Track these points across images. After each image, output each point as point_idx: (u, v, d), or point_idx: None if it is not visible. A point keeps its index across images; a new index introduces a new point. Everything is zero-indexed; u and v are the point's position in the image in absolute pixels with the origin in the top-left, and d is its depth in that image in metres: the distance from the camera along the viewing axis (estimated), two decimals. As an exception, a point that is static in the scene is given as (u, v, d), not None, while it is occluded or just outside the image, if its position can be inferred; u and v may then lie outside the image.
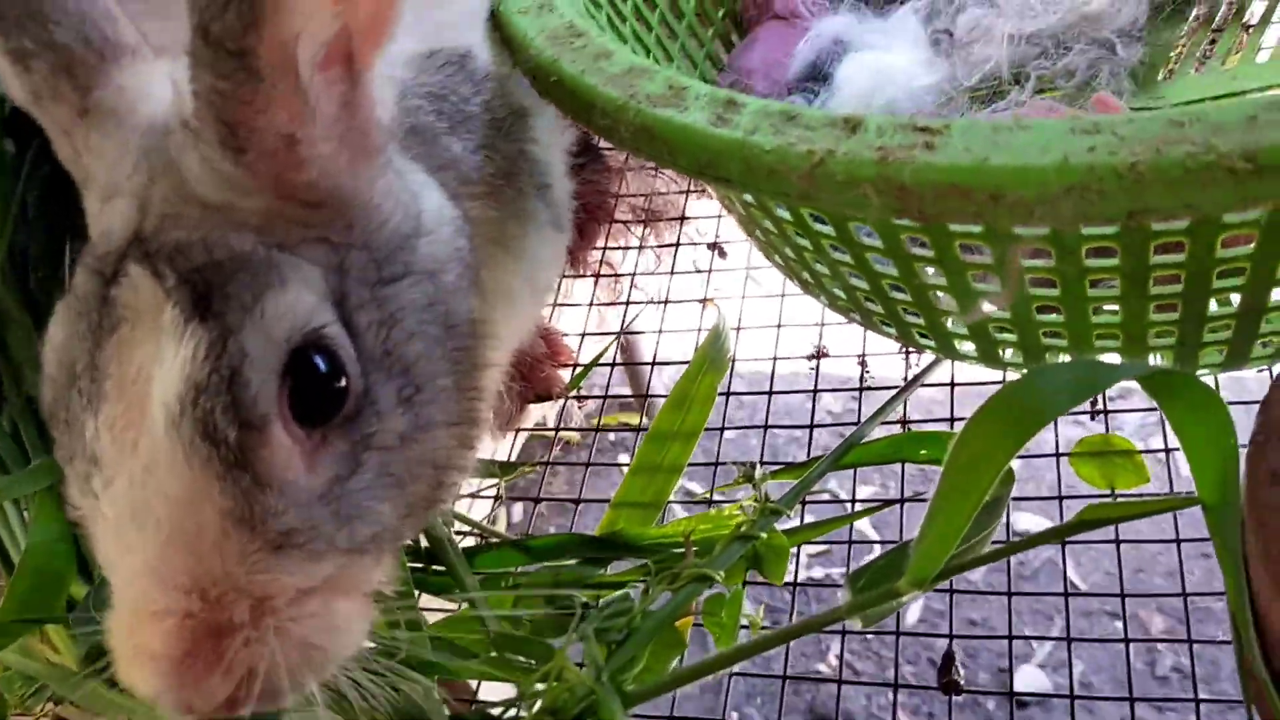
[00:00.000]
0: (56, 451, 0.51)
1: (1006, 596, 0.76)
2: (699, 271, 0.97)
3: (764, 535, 0.73)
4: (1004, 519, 0.69)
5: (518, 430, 0.93)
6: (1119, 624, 0.75)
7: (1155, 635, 1.67)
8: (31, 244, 0.82)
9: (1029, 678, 1.68)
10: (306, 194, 0.51)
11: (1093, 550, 1.73)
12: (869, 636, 1.73)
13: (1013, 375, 0.82)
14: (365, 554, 0.50)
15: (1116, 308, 0.62)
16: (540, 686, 0.62)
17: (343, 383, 0.49)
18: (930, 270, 0.65)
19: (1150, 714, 1.08)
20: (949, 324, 0.72)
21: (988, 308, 0.66)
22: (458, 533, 0.84)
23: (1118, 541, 0.75)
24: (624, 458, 1.19)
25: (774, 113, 0.54)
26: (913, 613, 1.68)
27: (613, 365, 0.91)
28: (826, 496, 0.90)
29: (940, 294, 0.68)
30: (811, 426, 0.80)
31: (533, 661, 0.67)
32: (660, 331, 0.92)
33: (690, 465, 0.79)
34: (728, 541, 0.72)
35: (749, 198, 0.71)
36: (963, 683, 0.66)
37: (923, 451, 0.80)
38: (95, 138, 0.54)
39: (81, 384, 0.48)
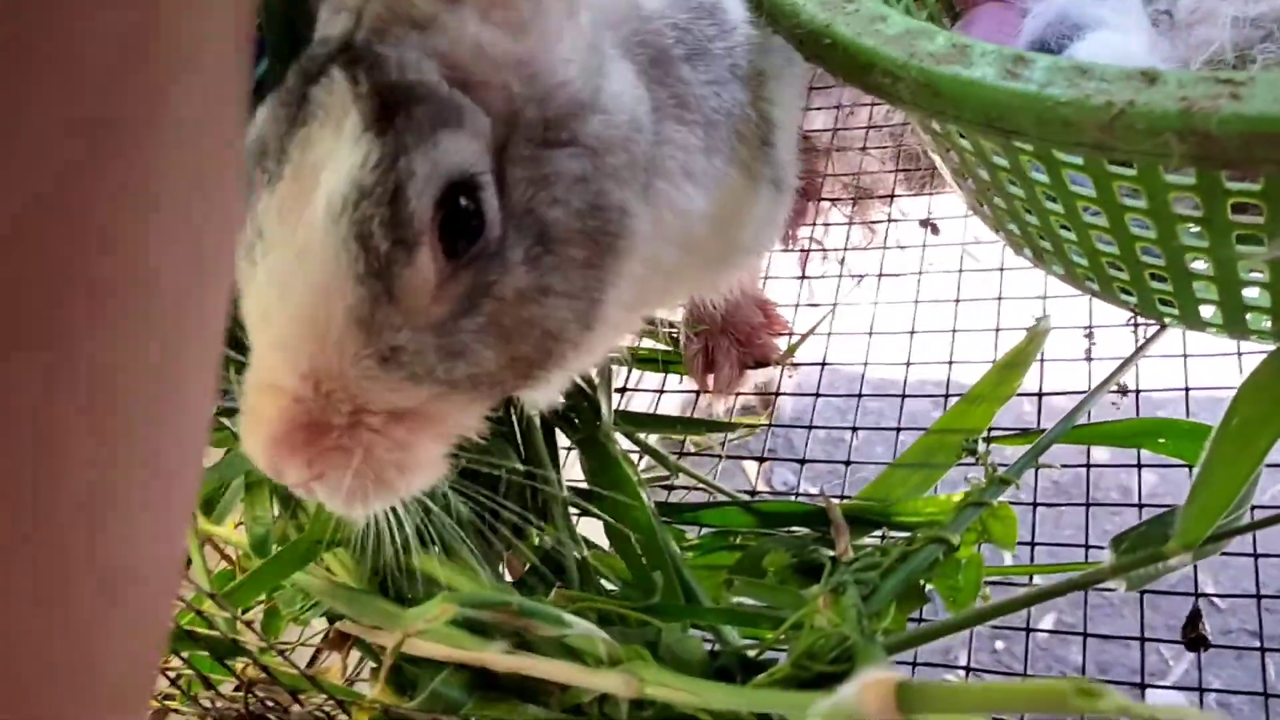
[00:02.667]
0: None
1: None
2: (908, 248, 0.99)
3: (994, 503, 0.74)
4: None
5: (737, 394, 0.96)
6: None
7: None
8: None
9: (1161, 697, 1.63)
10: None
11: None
12: (998, 648, 1.69)
13: (1250, 347, 0.82)
14: (459, 391, 0.53)
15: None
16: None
17: (481, 228, 0.52)
18: (1191, 231, 0.66)
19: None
20: (1199, 290, 0.72)
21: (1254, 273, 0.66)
22: (682, 487, 0.87)
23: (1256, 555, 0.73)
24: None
25: (1067, 67, 0.56)
26: (1045, 621, 1.64)
27: (828, 335, 0.94)
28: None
29: (1195, 258, 0.69)
30: (1040, 395, 0.81)
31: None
32: (876, 303, 0.94)
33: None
34: (960, 507, 0.74)
35: (1001, 160, 0.73)
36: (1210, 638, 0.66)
37: (1160, 440, 0.79)
38: None
39: (267, 163, 0.52)
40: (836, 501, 0.76)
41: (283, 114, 0.53)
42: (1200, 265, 0.70)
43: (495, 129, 0.53)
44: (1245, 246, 0.65)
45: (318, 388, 0.50)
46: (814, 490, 1.09)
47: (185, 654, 0.66)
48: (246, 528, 0.77)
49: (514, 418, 0.87)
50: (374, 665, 0.71)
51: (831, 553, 0.69)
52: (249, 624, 0.61)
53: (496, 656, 0.62)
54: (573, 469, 0.89)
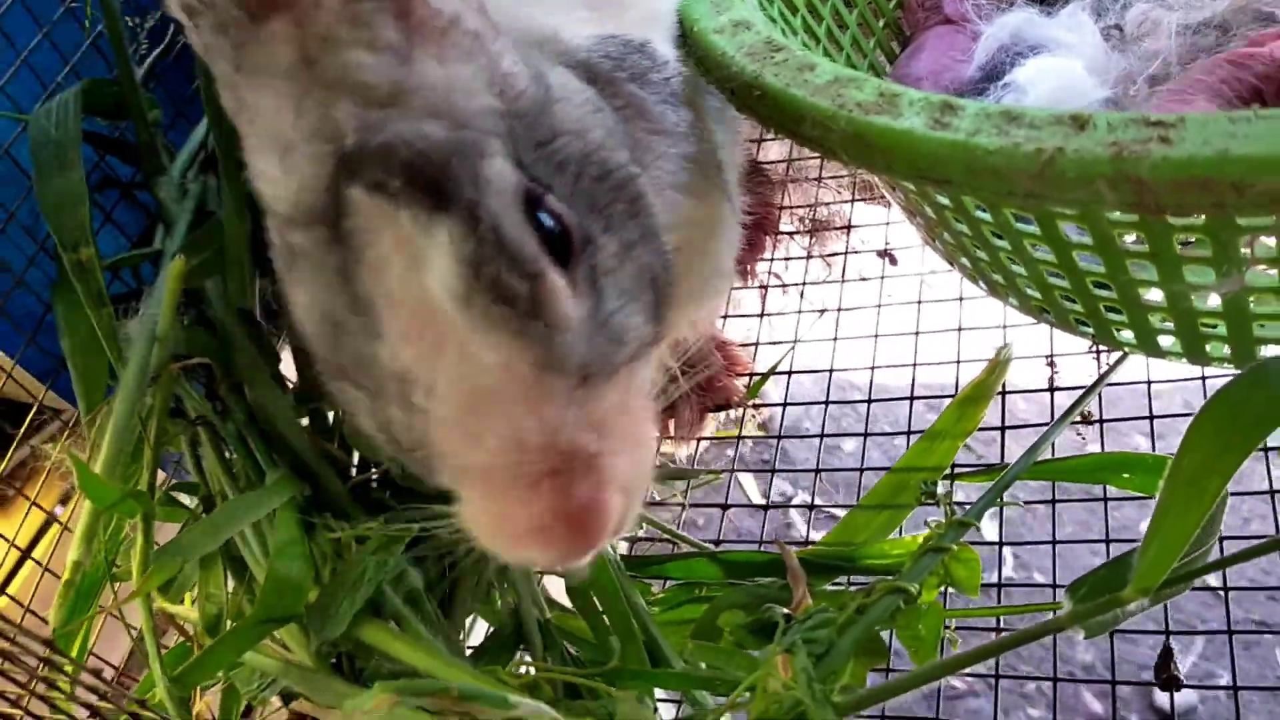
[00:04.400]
0: (348, 403, 0.54)
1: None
2: (867, 280, 0.98)
3: (954, 548, 0.73)
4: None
5: (699, 440, 0.95)
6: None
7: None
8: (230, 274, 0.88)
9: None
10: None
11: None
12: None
13: (1215, 372, 0.80)
14: (637, 362, 0.54)
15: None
16: (746, 696, 0.63)
17: (564, 228, 0.52)
18: (1137, 268, 0.65)
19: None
20: (1155, 320, 0.71)
21: (1211, 300, 0.65)
22: (646, 539, 0.85)
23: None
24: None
25: (995, 114, 0.55)
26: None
27: (789, 374, 0.92)
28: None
29: (1147, 290, 0.68)
30: (1003, 429, 0.80)
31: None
32: (836, 340, 0.93)
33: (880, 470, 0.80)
34: (919, 554, 0.72)
35: (944, 200, 0.72)
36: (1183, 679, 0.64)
37: (1125, 475, 0.78)
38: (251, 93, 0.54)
39: (351, 325, 0.50)
40: (794, 549, 0.74)
41: (326, 276, 0.51)
42: (1154, 296, 0.68)
43: (504, 145, 0.53)
44: (1196, 279, 0.64)
45: (556, 447, 0.49)
46: (803, 495, 1.07)
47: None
48: (199, 606, 0.76)
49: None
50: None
51: (786, 610, 0.68)
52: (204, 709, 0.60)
53: (449, 737, 0.60)
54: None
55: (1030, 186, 0.53)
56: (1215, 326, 0.69)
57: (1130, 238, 0.63)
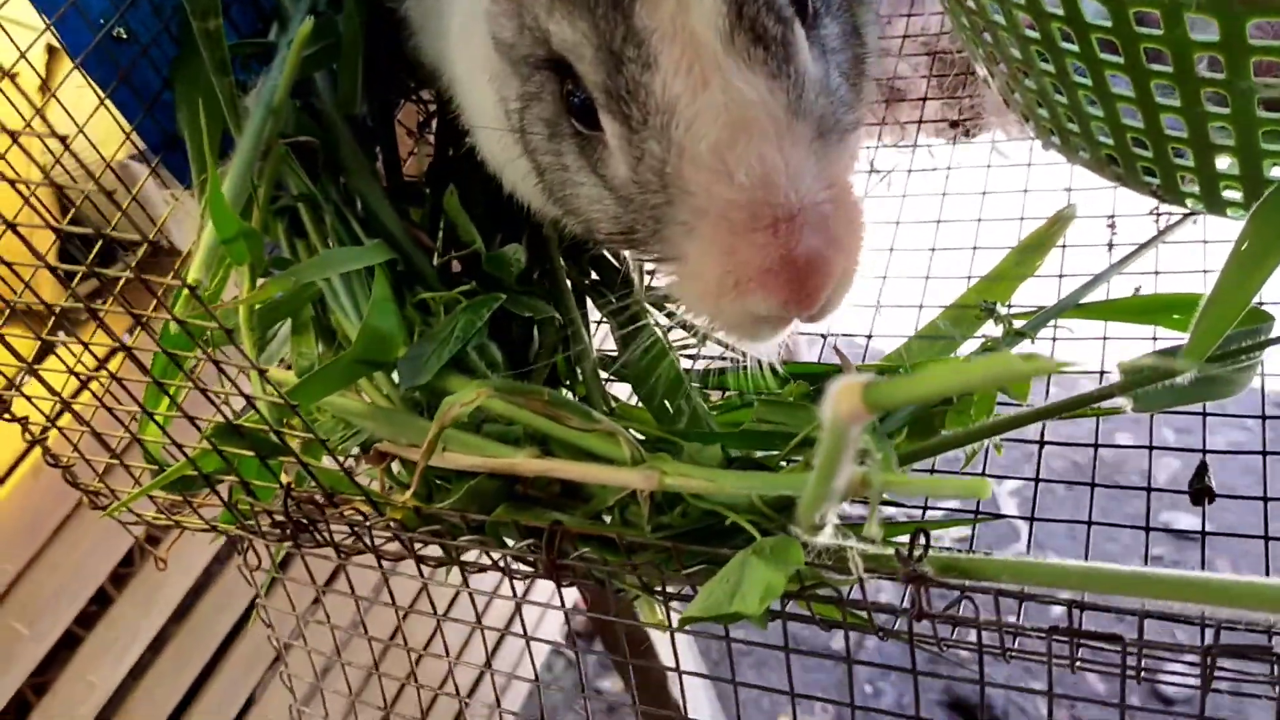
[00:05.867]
0: (615, 127, 0.58)
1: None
2: (936, 146, 1.01)
3: (1010, 351, 0.76)
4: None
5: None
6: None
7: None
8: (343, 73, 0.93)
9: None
10: None
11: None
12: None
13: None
14: (855, 134, 0.59)
15: None
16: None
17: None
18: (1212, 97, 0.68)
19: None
20: (1220, 165, 0.74)
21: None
22: (711, 356, 0.89)
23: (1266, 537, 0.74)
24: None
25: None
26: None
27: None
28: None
29: (1217, 125, 0.71)
30: (1061, 276, 0.83)
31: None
32: (904, 196, 0.96)
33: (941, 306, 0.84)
34: (976, 354, 0.76)
35: (1034, 33, 0.75)
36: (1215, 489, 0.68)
37: (1175, 316, 0.81)
38: None
39: (628, 53, 0.55)
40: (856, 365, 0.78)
41: (600, 10, 0.56)
42: (1223, 140, 0.72)
43: None
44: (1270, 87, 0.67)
45: (800, 189, 0.52)
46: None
47: (231, 458, 0.70)
48: (293, 362, 0.81)
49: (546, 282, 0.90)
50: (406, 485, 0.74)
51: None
52: (293, 407, 0.64)
53: (524, 461, 0.65)
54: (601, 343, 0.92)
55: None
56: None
57: (1203, 63, 0.67)
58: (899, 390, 0.37)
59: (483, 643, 0.91)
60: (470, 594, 0.76)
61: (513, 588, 0.71)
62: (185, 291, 0.63)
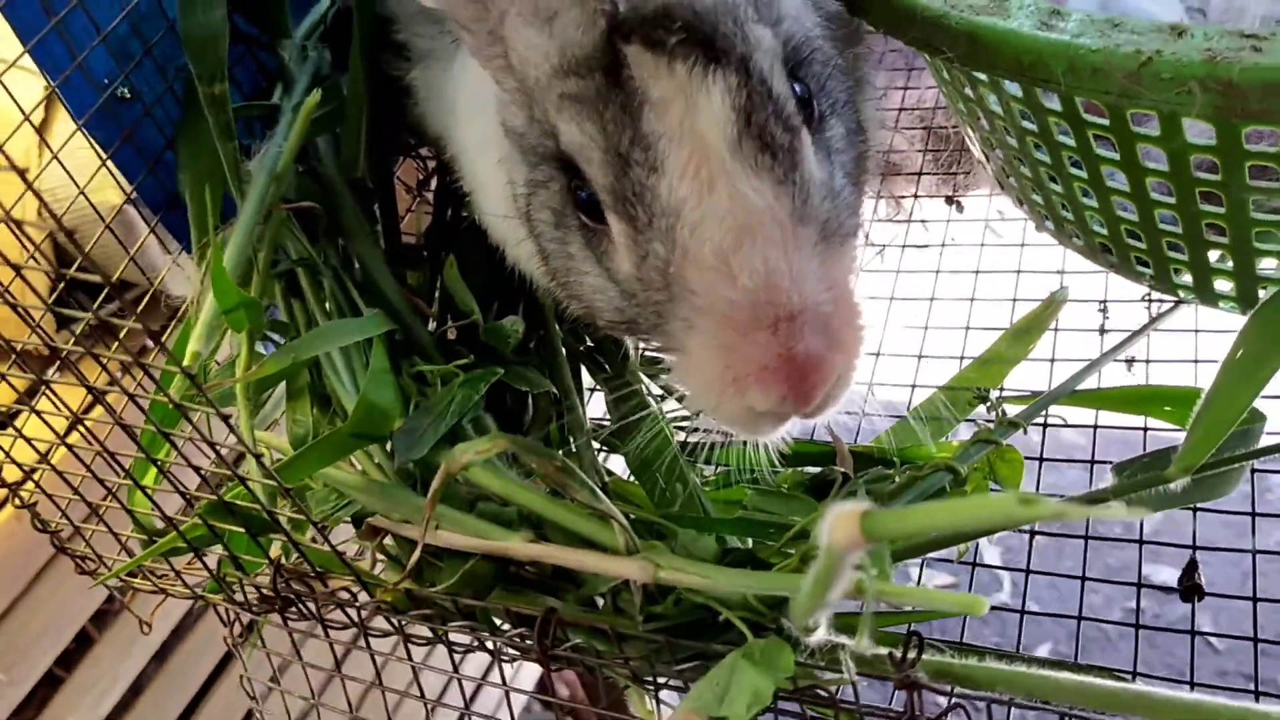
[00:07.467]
0: (620, 226, 0.58)
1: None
2: (931, 222, 1.02)
3: (1002, 443, 0.77)
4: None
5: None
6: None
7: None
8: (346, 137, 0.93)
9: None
10: None
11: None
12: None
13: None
14: (855, 238, 0.60)
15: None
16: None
17: (811, 92, 0.58)
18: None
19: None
20: (1213, 259, 0.75)
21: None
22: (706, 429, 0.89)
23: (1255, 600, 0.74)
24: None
25: (1099, 20, 0.60)
26: (1040, 651, 1.59)
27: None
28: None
29: (1210, 221, 0.72)
30: (1053, 360, 0.84)
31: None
32: (898, 271, 0.97)
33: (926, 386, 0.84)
34: (969, 443, 0.77)
35: (1030, 125, 0.76)
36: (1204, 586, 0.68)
37: (1167, 408, 0.82)
38: None
39: (636, 156, 0.55)
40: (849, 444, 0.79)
41: (611, 114, 0.56)
42: (1216, 236, 0.73)
43: (759, 13, 0.59)
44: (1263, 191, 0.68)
45: (802, 293, 0.53)
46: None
47: (222, 532, 0.69)
48: (288, 429, 0.80)
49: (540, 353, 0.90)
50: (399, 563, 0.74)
51: (843, 470, 0.72)
52: (288, 490, 0.64)
53: (519, 545, 0.65)
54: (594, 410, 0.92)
55: (1127, 85, 0.58)
56: (1274, 270, 0.73)
57: (1199, 168, 0.68)
58: (897, 523, 0.37)
59: (460, 691, 0.90)
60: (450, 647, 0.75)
61: (501, 673, 0.71)
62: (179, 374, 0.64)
